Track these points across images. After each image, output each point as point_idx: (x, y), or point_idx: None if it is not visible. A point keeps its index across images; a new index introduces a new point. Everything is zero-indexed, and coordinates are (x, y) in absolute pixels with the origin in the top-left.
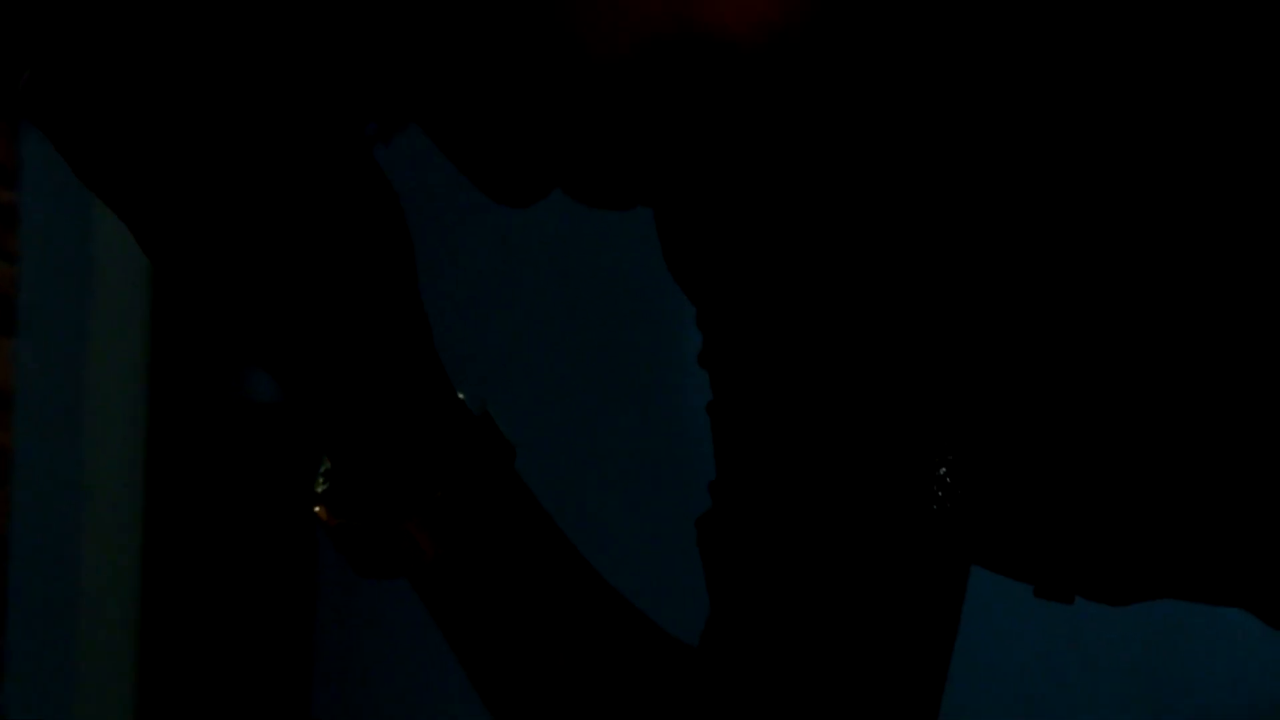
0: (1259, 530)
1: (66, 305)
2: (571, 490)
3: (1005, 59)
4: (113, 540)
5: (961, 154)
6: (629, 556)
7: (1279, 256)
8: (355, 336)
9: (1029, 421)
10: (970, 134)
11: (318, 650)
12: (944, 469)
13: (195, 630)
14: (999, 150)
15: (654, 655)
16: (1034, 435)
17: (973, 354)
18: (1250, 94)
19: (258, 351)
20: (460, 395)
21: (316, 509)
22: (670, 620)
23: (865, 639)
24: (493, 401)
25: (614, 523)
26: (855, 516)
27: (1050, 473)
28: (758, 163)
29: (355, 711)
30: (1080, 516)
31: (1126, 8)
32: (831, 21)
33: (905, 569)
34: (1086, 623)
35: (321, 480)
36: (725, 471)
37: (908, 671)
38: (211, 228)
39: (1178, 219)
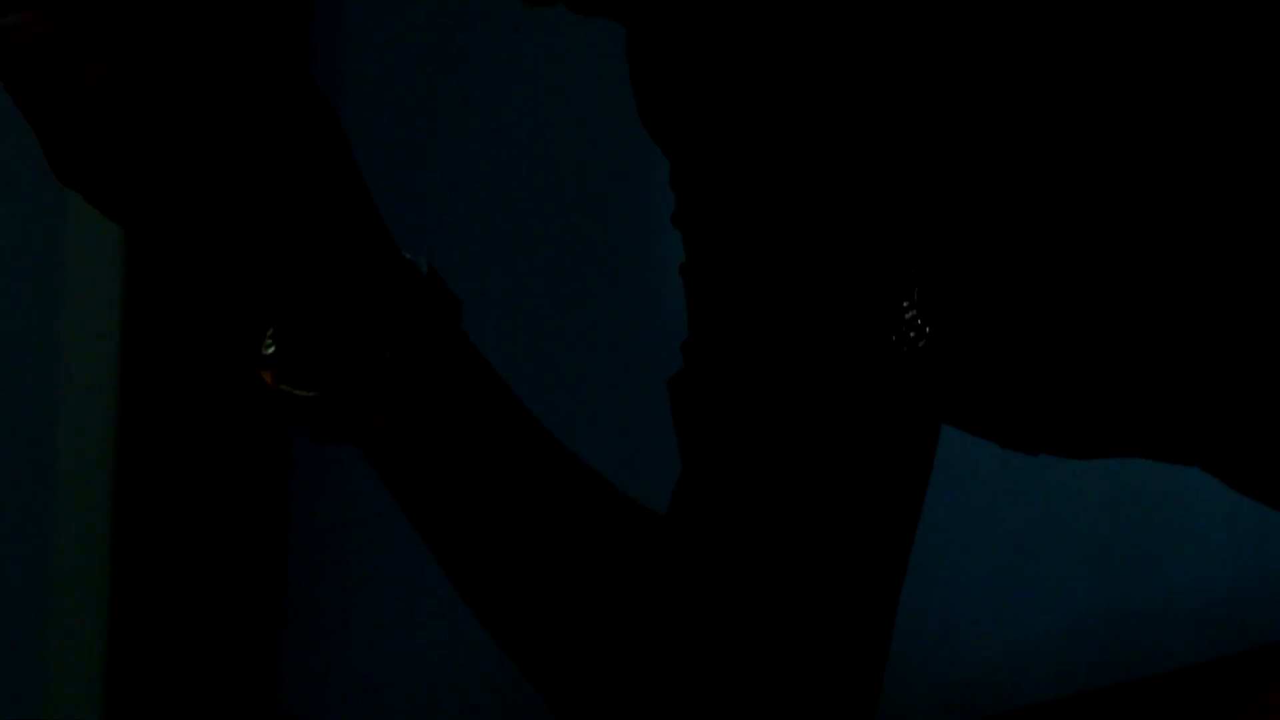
0: (1221, 381)
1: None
2: (542, 351)
3: None
4: (88, 432)
5: None
6: (600, 418)
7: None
8: (294, 194)
9: (998, 263)
10: None
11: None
12: (914, 314)
13: (167, 538)
14: None
15: (614, 519)
16: (1003, 277)
17: (940, 194)
18: None
19: (197, 216)
20: (406, 255)
21: (264, 374)
22: (644, 483)
23: (836, 497)
24: (463, 259)
25: (586, 384)
26: (826, 372)
27: (1018, 316)
28: None
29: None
30: (1046, 359)
31: None
32: None
33: (876, 426)
34: (1054, 504)
35: (268, 343)
36: (697, 332)
37: (876, 533)
38: (151, 80)
39: (1167, 59)
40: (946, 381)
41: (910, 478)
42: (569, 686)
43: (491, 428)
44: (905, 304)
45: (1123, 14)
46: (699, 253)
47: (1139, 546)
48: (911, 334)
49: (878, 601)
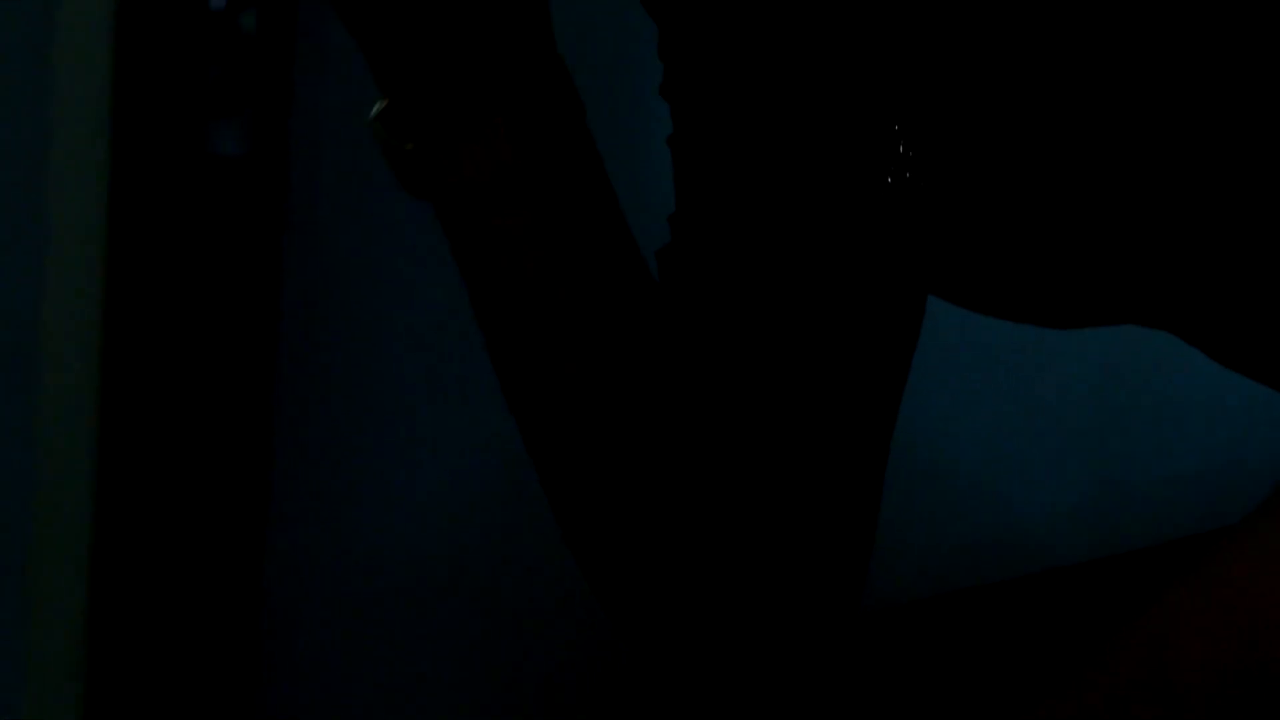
0: (1205, 243)
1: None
2: None
3: None
4: (74, 312)
5: None
6: None
7: None
8: None
9: (984, 118)
10: None
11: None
12: (901, 172)
13: (153, 403)
14: None
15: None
16: (989, 132)
17: (927, 46)
18: None
19: None
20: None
21: (375, 124)
22: None
23: (825, 357)
24: None
25: None
26: (815, 231)
27: (1003, 171)
28: None
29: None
30: (1032, 215)
31: None
32: None
33: (863, 288)
34: (1043, 393)
35: (379, 105)
36: (685, 205)
37: (861, 402)
38: None
39: None
40: (932, 243)
41: (896, 343)
42: (590, 495)
43: (583, 213)
44: (891, 161)
45: None
46: (687, 122)
47: (1128, 428)
48: (898, 192)
49: (869, 445)
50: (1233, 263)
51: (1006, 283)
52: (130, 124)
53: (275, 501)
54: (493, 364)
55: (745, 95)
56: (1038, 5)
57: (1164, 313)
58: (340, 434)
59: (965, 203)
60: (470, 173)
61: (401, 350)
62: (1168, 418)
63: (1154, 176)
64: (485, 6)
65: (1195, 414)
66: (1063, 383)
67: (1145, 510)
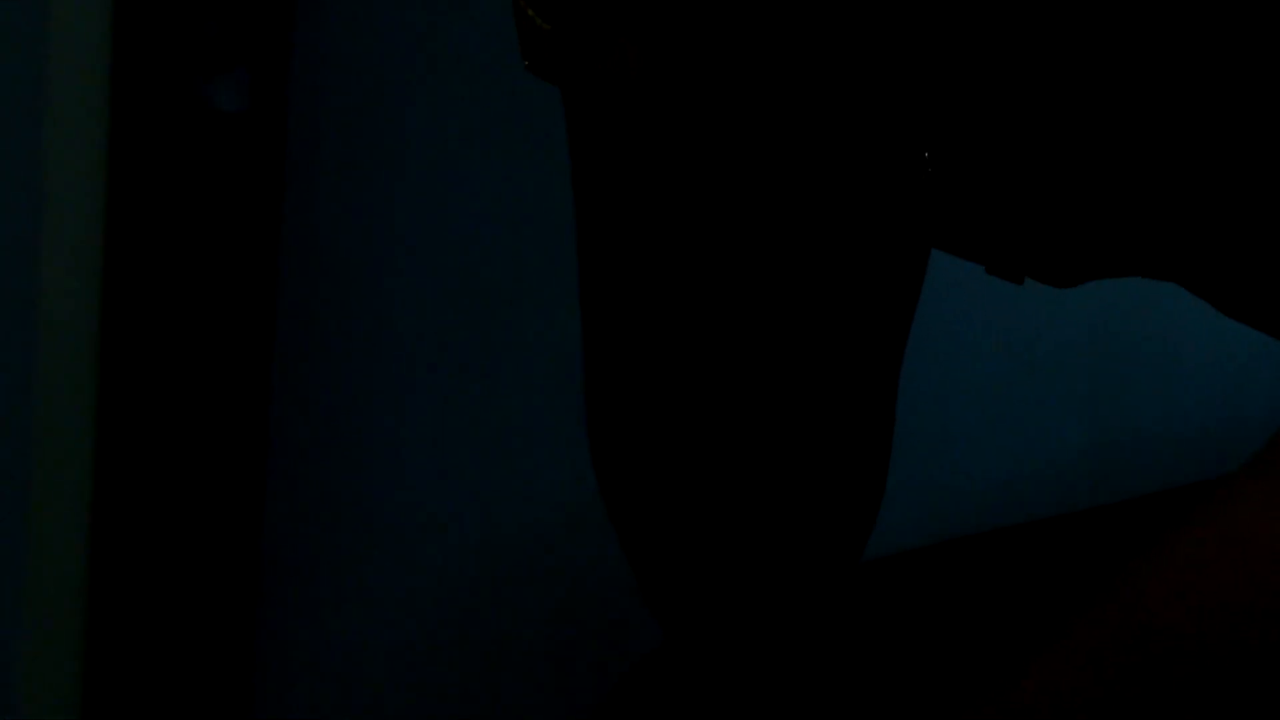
0: (1212, 190)
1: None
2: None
3: None
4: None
5: None
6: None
7: None
8: None
9: (994, 75)
10: None
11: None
12: (912, 127)
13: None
14: None
15: None
16: (999, 88)
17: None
18: None
19: None
20: None
21: (529, 10)
22: None
23: (829, 303)
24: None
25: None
26: (826, 181)
27: (1012, 124)
28: None
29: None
30: (1040, 165)
31: None
32: None
33: (870, 241)
34: (1040, 343)
35: None
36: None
37: (870, 333)
38: None
39: None
40: (940, 197)
41: (899, 295)
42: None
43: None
44: (902, 115)
45: None
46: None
47: (1128, 379)
48: (912, 150)
49: (875, 402)
50: (1245, 207)
51: (1014, 234)
52: (128, 79)
53: (271, 477)
54: (581, 266)
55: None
56: None
57: (1172, 262)
58: (340, 398)
59: (973, 156)
60: (603, 71)
61: (404, 314)
62: (1168, 370)
63: (1160, 122)
64: None
65: (1196, 366)
66: (1063, 337)
67: (1146, 460)
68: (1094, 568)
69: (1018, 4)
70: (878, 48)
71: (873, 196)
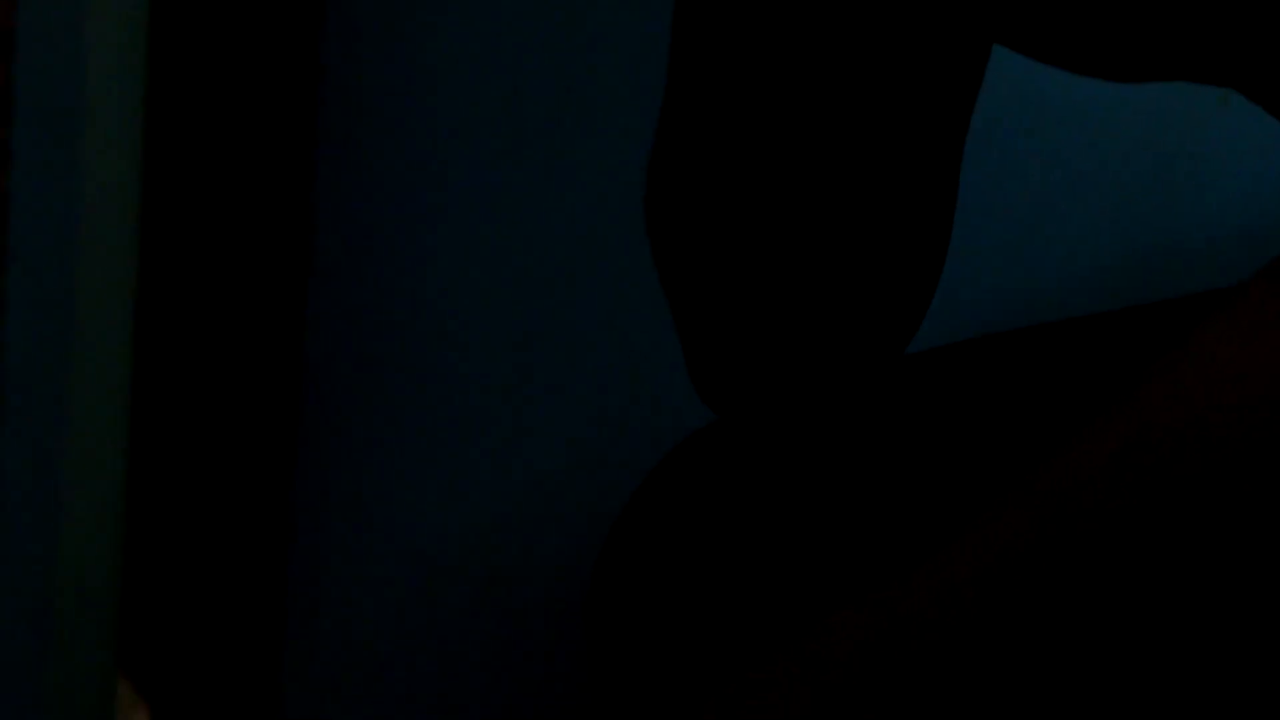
0: None
1: None
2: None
3: None
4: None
5: None
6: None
7: None
8: None
9: None
10: None
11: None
12: None
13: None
14: None
15: None
16: None
17: None
18: None
19: None
20: None
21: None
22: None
23: (890, 95)
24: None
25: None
26: None
27: None
28: None
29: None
30: None
31: None
32: None
33: (930, 42)
34: (1083, 157)
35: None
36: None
37: (929, 130)
38: None
39: None
40: None
41: (962, 92)
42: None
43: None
44: None
45: None
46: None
47: (1170, 186)
48: None
49: (934, 191)
50: None
51: (1072, 27)
52: (163, 79)
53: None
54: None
55: None
56: None
57: (1223, 67)
58: (363, 399)
59: None
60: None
61: (410, 316)
62: (1207, 181)
63: None
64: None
65: (1235, 176)
66: (1104, 151)
67: (1184, 267)
68: (1125, 365)
69: None
70: None
71: None
